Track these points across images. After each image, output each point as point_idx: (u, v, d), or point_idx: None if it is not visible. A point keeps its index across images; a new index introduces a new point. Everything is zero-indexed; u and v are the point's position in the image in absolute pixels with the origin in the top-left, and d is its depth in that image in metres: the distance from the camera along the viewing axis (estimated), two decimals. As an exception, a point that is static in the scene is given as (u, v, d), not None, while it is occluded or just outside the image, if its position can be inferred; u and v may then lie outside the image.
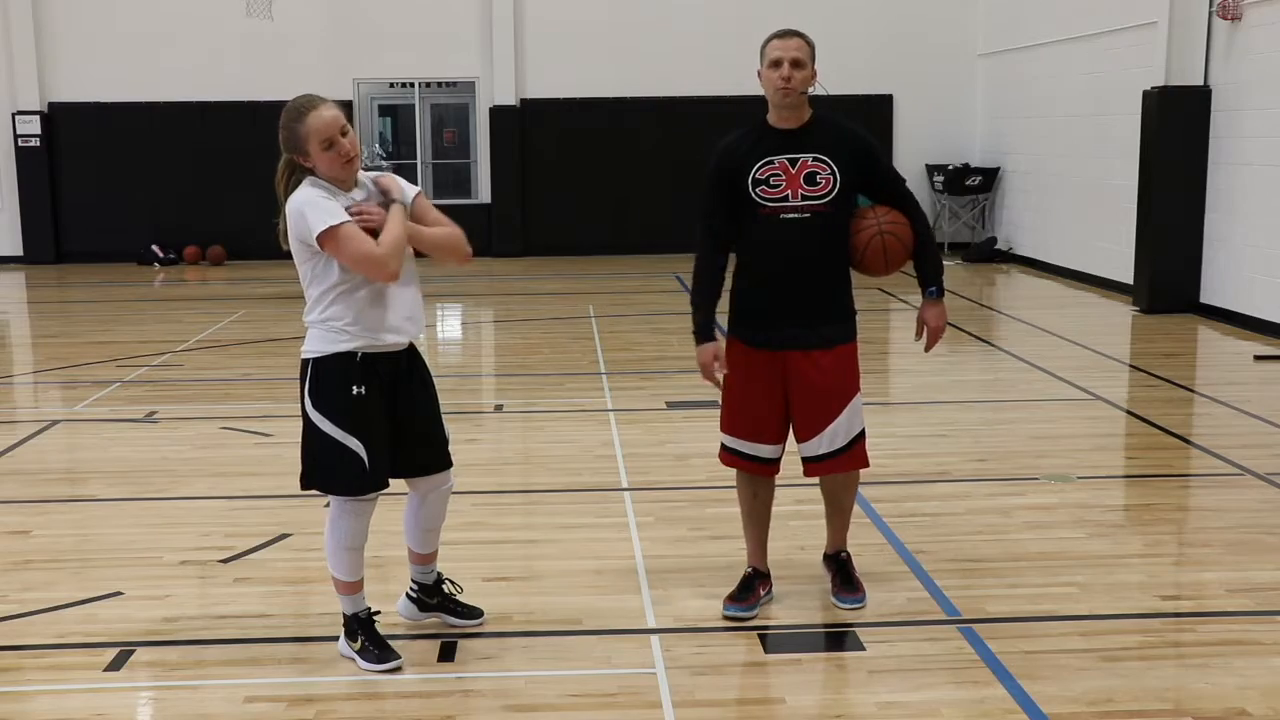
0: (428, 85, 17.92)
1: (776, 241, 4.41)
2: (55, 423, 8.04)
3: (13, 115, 17.00)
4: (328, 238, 3.89)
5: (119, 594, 4.90)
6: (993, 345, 10.47)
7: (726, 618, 4.61)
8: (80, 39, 17.07)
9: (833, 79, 17.92)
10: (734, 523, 5.65)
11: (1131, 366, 9.59)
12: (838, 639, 4.46)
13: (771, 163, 4.39)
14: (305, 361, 4.08)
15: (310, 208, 3.93)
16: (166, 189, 17.22)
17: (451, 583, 4.60)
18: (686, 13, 17.35)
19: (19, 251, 17.31)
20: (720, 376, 4.55)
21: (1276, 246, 10.73)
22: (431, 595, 4.55)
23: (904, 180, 4.62)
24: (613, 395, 8.50)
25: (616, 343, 10.66)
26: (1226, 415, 7.84)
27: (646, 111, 17.47)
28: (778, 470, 4.70)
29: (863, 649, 4.34)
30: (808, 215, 4.38)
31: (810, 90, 4.44)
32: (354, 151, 4.04)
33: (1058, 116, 14.96)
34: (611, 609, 4.72)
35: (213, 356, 10.27)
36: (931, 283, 4.57)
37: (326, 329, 4.02)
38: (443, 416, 4.37)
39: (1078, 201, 14.45)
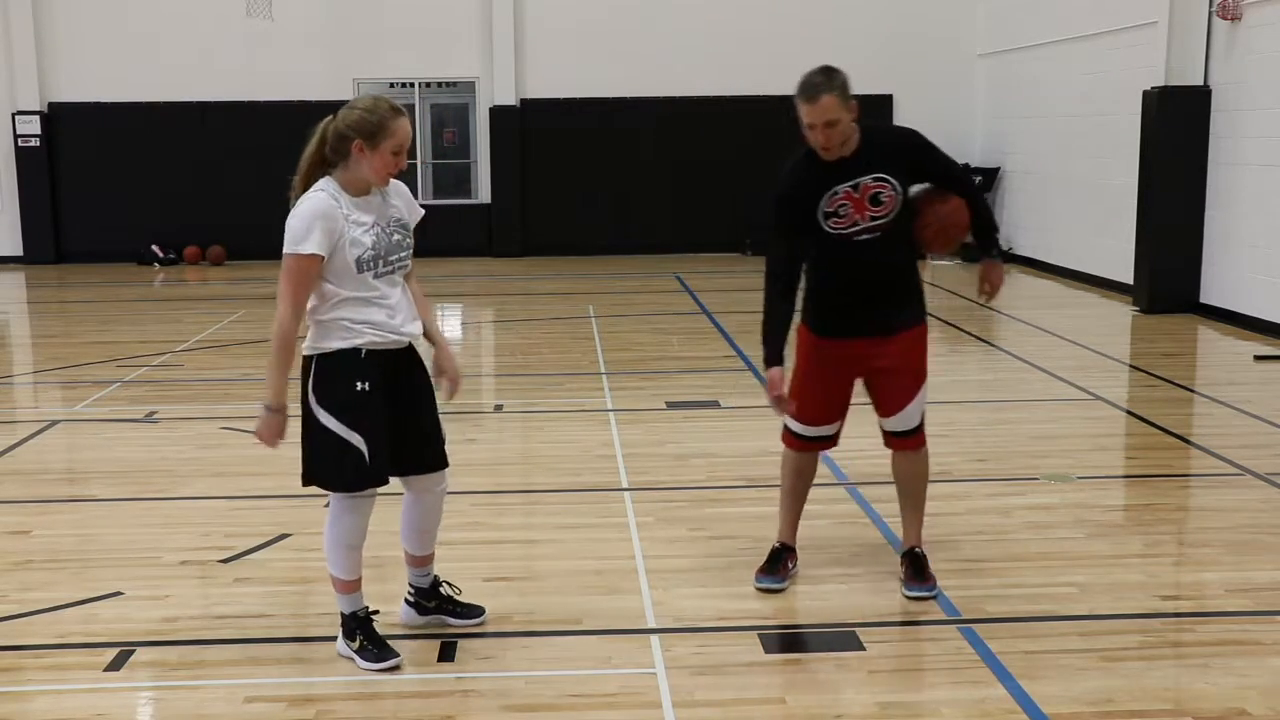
0: (428, 85, 17.91)
1: (848, 258, 4.58)
2: (55, 423, 8.04)
3: (13, 115, 17.00)
4: (288, 258, 3.94)
5: (119, 594, 4.89)
6: (993, 345, 10.47)
7: (760, 589, 4.82)
8: (80, 39, 17.07)
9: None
10: (733, 523, 5.68)
11: (1131, 366, 9.59)
12: (838, 639, 4.45)
13: (836, 193, 4.51)
14: (308, 358, 4.09)
15: (303, 222, 3.94)
16: (166, 189, 17.21)
17: (449, 585, 4.59)
18: (686, 13, 17.35)
19: (19, 251, 17.32)
20: (785, 397, 4.63)
21: (1276, 246, 10.73)
22: (429, 599, 4.53)
23: (956, 164, 4.78)
24: (613, 395, 8.50)
25: (616, 343, 10.66)
26: (1226, 415, 7.84)
27: (646, 111, 17.47)
28: (832, 445, 4.91)
29: (863, 649, 4.33)
30: (878, 234, 4.54)
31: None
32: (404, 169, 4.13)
33: (1058, 116, 14.96)
34: (611, 609, 4.72)
35: (213, 356, 10.27)
36: (993, 246, 4.81)
37: (333, 325, 4.03)
38: (439, 416, 4.37)
39: (1078, 201, 14.45)
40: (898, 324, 4.68)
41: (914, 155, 4.62)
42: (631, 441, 7.22)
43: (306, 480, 4.19)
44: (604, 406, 8.16)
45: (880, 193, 4.51)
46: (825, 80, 4.40)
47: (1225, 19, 11.32)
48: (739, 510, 5.89)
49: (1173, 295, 11.86)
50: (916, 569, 4.83)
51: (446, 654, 4.33)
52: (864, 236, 4.53)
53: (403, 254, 4.13)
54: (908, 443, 4.83)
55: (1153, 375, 9.08)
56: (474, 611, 4.55)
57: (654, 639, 4.43)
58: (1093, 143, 14.01)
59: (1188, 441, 7.21)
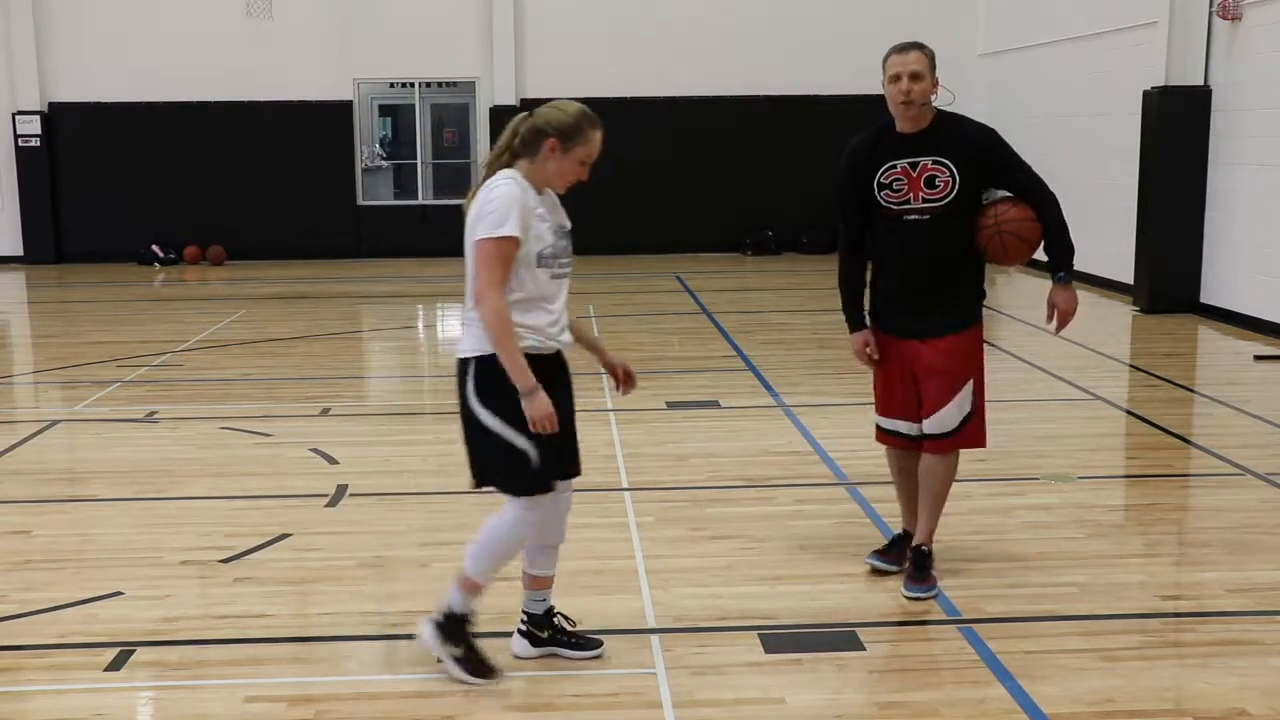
0: (428, 85, 17.92)
1: (899, 240, 4.66)
2: (55, 423, 8.04)
3: (13, 115, 17.00)
4: (487, 243, 3.82)
5: (119, 594, 4.90)
6: (993, 345, 10.46)
7: (871, 567, 4.97)
8: (80, 39, 17.07)
9: (832, 79, 17.90)
10: (733, 523, 5.69)
11: (1131, 366, 9.60)
12: (838, 639, 4.45)
13: (894, 167, 4.61)
14: (467, 360, 3.95)
15: (502, 205, 3.83)
16: (166, 189, 17.21)
17: (564, 616, 4.31)
18: (686, 13, 17.34)
19: (19, 251, 17.31)
20: (874, 359, 4.79)
21: (1276, 246, 10.73)
22: (542, 628, 4.25)
23: (1033, 173, 4.69)
24: (613, 395, 8.49)
25: (616, 343, 10.64)
26: (1226, 415, 7.84)
27: (646, 111, 17.45)
28: (914, 445, 4.90)
29: (863, 649, 4.34)
30: (928, 217, 4.58)
31: (934, 100, 4.64)
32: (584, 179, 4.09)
33: (1058, 116, 14.96)
34: (611, 609, 4.71)
35: (213, 356, 10.28)
36: (1060, 268, 4.70)
37: None
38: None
39: (1078, 201, 14.39)
40: (943, 327, 4.69)
41: (983, 151, 4.62)
42: (631, 441, 7.22)
43: (480, 481, 4.08)
44: (604, 406, 8.15)
45: (936, 176, 4.56)
46: (916, 44, 4.65)
47: (1225, 19, 11.33)
48: (739, 510, 5.90)
49: (1173, 295, 11.86)
50: (918, 568, 4.83)
51: (446, 654, 4.32)
52: (913, 217, 4.59)
53: (567, 260, 4.05)
54: (939, 445, 4.83)
55: (1153, 375, 9.08)
56: (592, 644, 4.27)
57: (654, 639, 4.43)
58: (1093, 143, 14.01)
59: (1188, 441, 7.21)
